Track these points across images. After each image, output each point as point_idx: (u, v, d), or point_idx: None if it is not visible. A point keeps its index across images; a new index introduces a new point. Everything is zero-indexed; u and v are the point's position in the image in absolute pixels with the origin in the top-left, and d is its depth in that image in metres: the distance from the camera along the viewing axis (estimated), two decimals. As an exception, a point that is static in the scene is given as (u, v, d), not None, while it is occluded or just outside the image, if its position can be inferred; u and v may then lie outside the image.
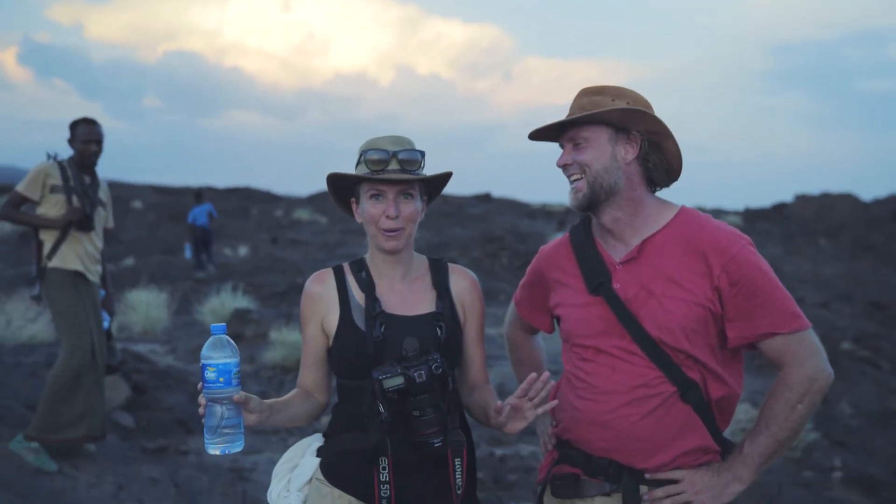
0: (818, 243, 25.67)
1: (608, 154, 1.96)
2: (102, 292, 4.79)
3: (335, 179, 2.02)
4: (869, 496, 5.72)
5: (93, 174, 4.67)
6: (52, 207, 4.50)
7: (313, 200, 35.80)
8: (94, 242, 4.61)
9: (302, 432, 5.79)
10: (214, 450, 1.74)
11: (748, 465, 1.91)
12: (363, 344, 1.94)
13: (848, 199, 32.87)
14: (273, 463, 2.58)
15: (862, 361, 9.23)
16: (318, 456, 2.05)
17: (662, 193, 2.08)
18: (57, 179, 4.50)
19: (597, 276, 2.00)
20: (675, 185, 2.08)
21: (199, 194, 17.71)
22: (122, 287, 11.24)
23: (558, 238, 2.21)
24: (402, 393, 1.82)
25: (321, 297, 2.04)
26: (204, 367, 1.71)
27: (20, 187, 4.52)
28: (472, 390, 2.09)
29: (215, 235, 18.05)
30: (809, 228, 28.61)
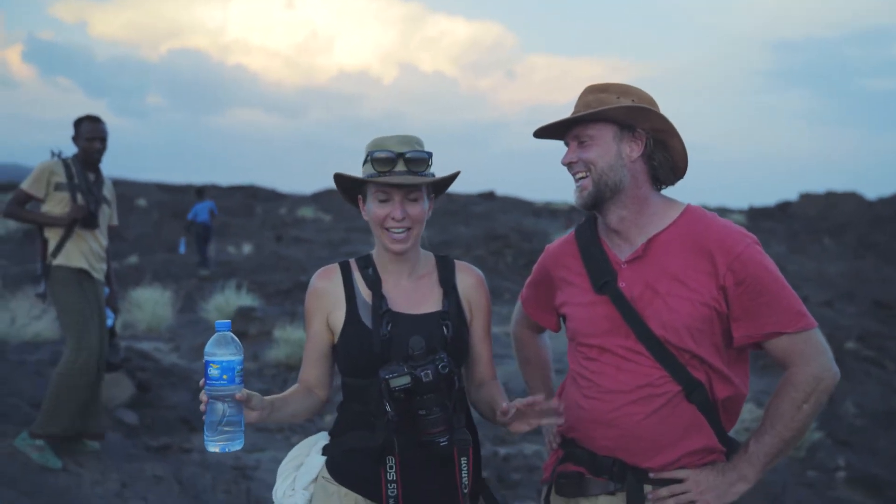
0: (822, 242, 25.62)
1: (613, 152, 1.95)
2: (107, 290, 4.80)
3: (341, 180, 2.02)
4: (873, 496, 5.70)
5: (97, 172, 4.68)
6: (57, 205, 4.51)
7: (317, 198, 35.84)
8: (98, 240, 4.61)
9: (306, 431, 5.80)
10: (214, 447, 1.73)
11: (753, 464, 1.90)
12: (370, 342, 1.94)
13: (852, 198, 32.82)
14: (276, 461, 2.57)
15: (866, 361, 9.20)
16: (323, 454, 2.04)
17: (667, 192, 2.06)
18: (61, 177, 4.51)
19: (602, 275, 1.99)
20: (678, 183, 2.07)
21: (201, 191, 17.65)
22: (126, 285, 11.25)
23: (564, 236, 2.20)
24: (409, 392, 1.82)
25: (327, 292, 2.03)
26: (207, 363, 1.69)
27: (25, 185, 4.52)
28: (480, 386, 2.08)
29: (218, 233, 18.04)
30: (814, 227, 28.56)
